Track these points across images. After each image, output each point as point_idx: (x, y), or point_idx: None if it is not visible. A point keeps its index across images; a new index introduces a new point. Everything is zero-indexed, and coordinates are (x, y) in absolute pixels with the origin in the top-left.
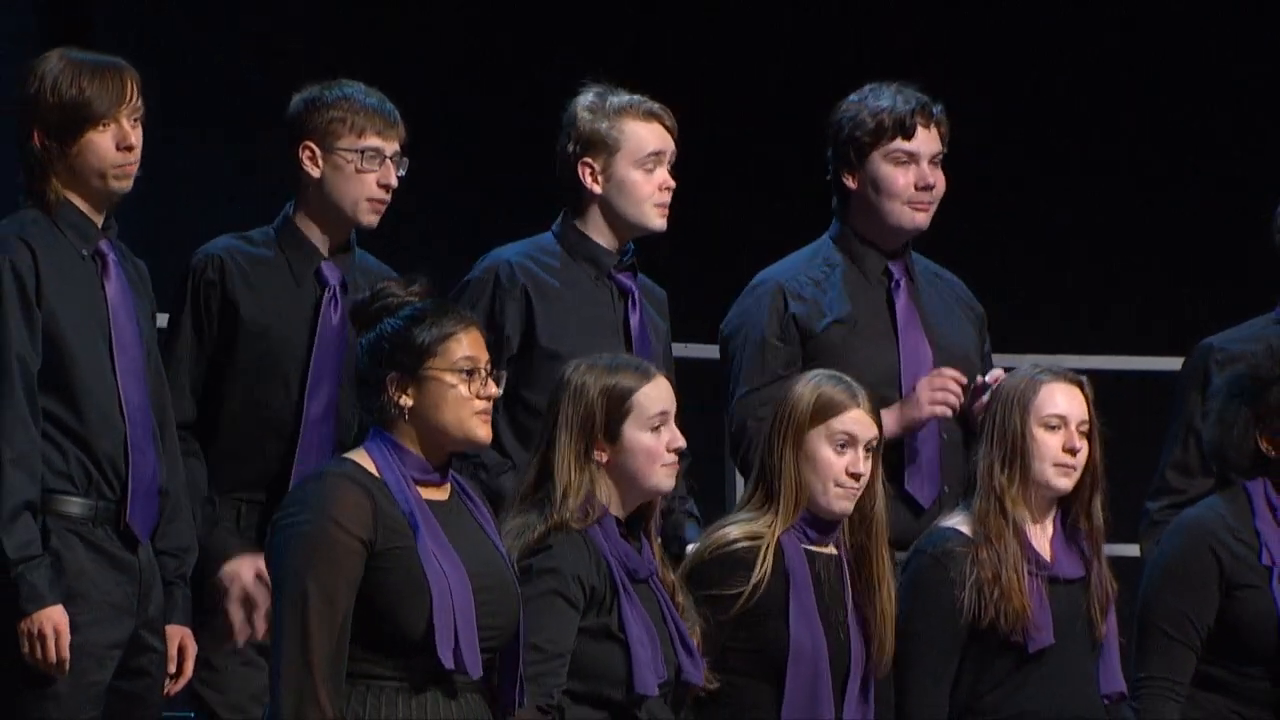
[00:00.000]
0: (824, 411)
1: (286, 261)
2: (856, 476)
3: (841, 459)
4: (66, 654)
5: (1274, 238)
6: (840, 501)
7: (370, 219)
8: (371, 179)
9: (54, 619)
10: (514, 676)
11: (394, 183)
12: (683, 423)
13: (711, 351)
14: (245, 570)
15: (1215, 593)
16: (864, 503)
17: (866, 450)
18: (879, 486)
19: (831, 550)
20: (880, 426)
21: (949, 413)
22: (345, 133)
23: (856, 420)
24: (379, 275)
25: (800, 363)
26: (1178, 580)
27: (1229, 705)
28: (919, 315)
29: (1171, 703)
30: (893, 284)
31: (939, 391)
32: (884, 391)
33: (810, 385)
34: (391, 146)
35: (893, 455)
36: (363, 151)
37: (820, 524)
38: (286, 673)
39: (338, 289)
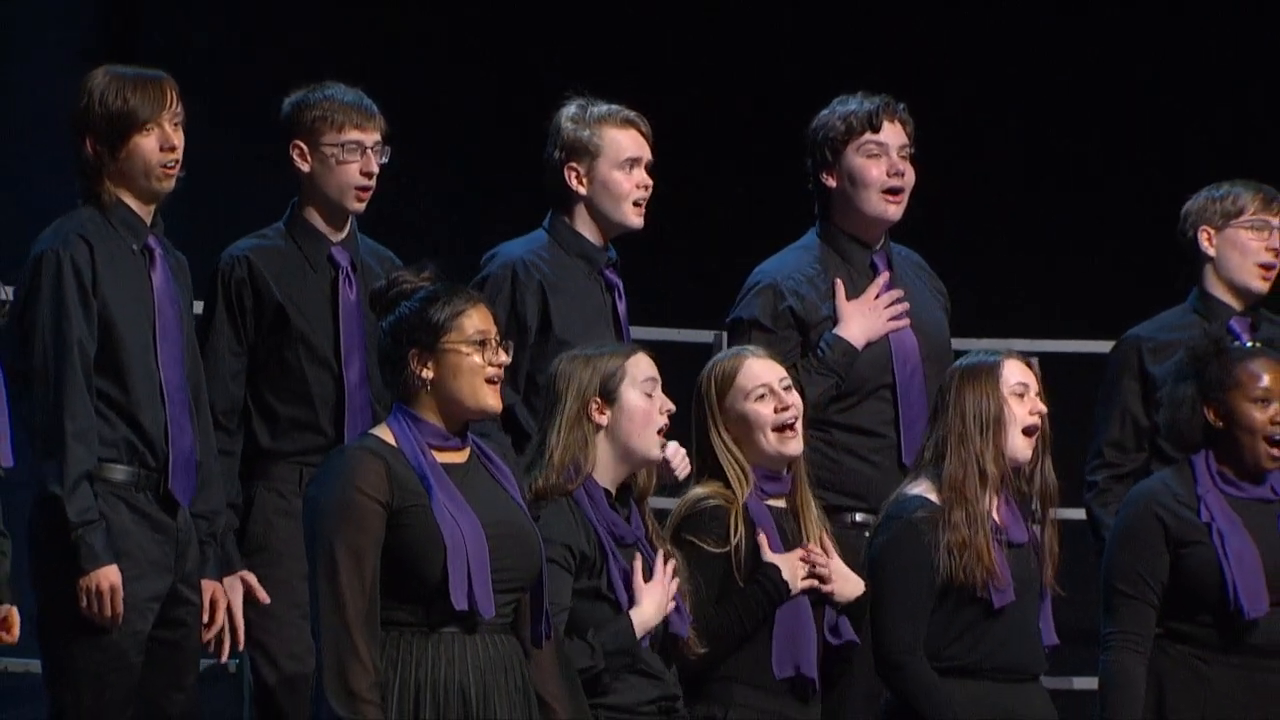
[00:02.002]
0: (727, 378)
1: (300, 250)
2: (786, 408)
3: (766, 404)
4: (121, 608)
5: (1182, 236)
6: (789, 443)
7: (356, 205)
8: (354, 168)
9: (110, 577)
10: (539, 614)
11: (375, 170)
12: (676, 401)
13: (702, 337)
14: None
15: (1164, 551)
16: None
17: (784, 389)
18: (802, 430)
19: (783, 504)
20: (785, 368)
21: (906, 324)
22: (327, 129)
23: (755, 368)
24: (379, 255)
25: (796, 349)
26: (1130, 544)
27: (1192, 653)
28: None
29: (1135, 654)
30: (878, 277)
31: (891, 307)
32: (878, 376)
33: (707, 370)
34: (371, 138)
35: (890, 430)
36: (343, 144)
37: (773, 477)
38: (326, 632)
39: (348, 269)
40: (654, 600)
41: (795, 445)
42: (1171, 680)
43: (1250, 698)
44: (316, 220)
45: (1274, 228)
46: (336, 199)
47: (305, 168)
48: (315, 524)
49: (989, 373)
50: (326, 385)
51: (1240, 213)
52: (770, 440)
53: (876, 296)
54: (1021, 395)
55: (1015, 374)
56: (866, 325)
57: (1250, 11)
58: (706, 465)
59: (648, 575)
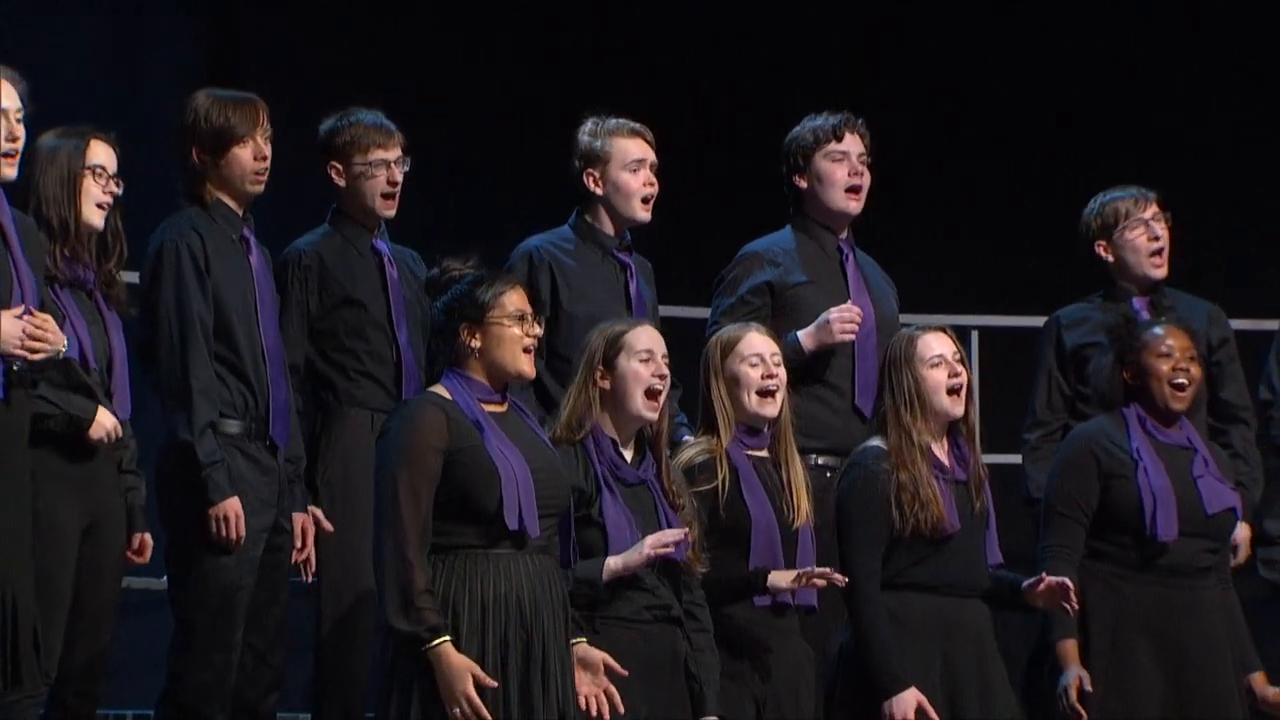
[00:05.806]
0: (731, 343)
1: (349, 243)
2: (770, 376)
3: (756, 370)
4: (244, 532)
5: (1086, 250)
6: (766, 407)
7: (387, 212)
8: (381, 180)
9: (234, 507)
10: (567, 542)
11: (399, 180)
12: (676, 369)
13: (698, 313)
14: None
15: (1095, 481)
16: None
17: (775, 362)
18: (787, 399)
19: (765, 454)
20: (779, 345)
21: (852, 338)
22: (356, 151)
23: (755, 340)
24: (400, 253)
25: (769, 315)
26: (1067, 472)
27: (1110, 570)
28: (864, 281)
29: (1066, 564)
30: (844, 257)
31: (848, 324)
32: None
33: (721, 334)
34: (393, 153)
35: (846, 382)
36: (371, 162)
37: (753, 431)
38: (385, 551)
39: (389, 255)
40: (625, 557)
41: (771, 409)
42: (1091, 592)
43: (1158, 609)
44: (355, 219)
45: (1148, 220)
46: (370, 206)
47: (342, 183)
48: (382, 463)
49: (905, 353)
50: (384, 345)
51: (1118, 220)
52: (752, 401)
53: (837, 317)
54: (938, 365)
55: (929, 348)
56: (820, 338)
57: (1179, 13)
58: (704, 413)
59: (656, 510)
